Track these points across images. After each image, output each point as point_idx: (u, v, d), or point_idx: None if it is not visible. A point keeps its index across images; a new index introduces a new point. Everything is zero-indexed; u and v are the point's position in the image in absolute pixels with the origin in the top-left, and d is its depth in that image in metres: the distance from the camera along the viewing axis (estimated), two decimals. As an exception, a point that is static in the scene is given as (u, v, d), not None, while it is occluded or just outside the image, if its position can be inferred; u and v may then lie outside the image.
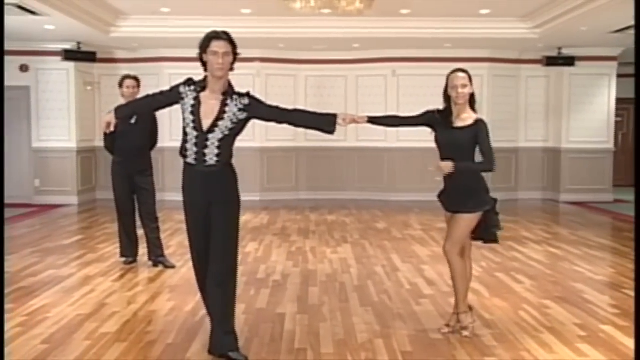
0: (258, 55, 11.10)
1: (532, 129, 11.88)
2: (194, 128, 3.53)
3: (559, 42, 10.67)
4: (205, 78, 3.59)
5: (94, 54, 10.86)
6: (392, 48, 11.15)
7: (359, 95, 11.78)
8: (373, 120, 4.18)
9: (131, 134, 5.84)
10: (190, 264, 6.02)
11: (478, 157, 3.98)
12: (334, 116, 3.70)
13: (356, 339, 3.99)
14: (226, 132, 3.53)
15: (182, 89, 3.61)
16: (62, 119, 10.85)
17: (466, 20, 9.74)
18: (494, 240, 4.14)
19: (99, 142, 10.17)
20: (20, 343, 3.87)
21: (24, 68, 10.74)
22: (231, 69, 3.57)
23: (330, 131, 3.72)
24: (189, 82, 3.63)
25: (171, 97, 3.66)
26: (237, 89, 3.65)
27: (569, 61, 11.25)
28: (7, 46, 10.35)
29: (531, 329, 4.18)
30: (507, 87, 11.68)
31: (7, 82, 10.58)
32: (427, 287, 5.27)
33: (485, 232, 4.08)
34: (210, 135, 3.51)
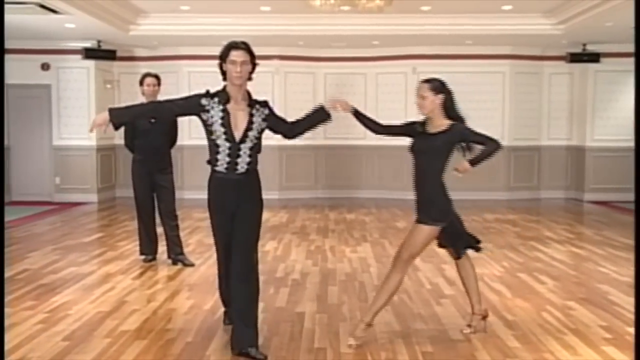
0: (277, 52, 11.12)
1: (555, 127, 11.75)
2: (227, 139, 3.66)
3: (583, 38, 10.54)
4: (224, 88, 3.72)
5: (114, 52, 10.96)
6: (412, 45, 11.09)
7: (378, 93, 11.74)
8: (357, 115, 4.21)
9: (151, 132, 5.89)
10: (209, 262, 6.13)
11: (452, 163, 3.96)
12: (322, 107, 3.94)
13: (376, 339, 3.98)
14: (255, 141, 3.72)
15: (204, 101, 3.71)
16: (82, 117, 10.96)
17: (488, 16, 9.65)
18: (473, 246, 4.16)
19: (119, 140, 10.24)
20: (41, 340, 3.92)
21: (45, 66, 10.88)
22: (249, 79, 3.72)
23: (327, 118, 3.96)
24: (209, 94, 3.75)
25: (188, 108, 3.75)
26: (255, 88, 3.79)
27: (594, 58, 11.10)
28: (28, 45, 10.55)
29: (554, 331, 4.14)
30: (530, 85, 11.56)
31: (29, 80, 10.78)
32: (447, 287, 5.24)
33: (459, 240, 4.07)
34: (242, 145, 3.67)
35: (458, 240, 4.08)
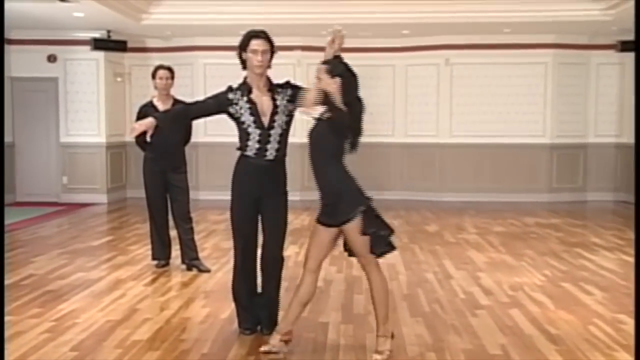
0: (299, 43, 11.15)
1: (603, 122, 11.58)
2: (257, 127, 3.99)
3: (634, 25, 10.38)
4: (245, 79, 4.05)
5: (124, 42, 11.08)
6: (445, 34, 11.03)
7: (408, 87, 11.71)
8: None
9: (164, 129, 5.88)
10: (226, 267, 6.16)
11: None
12: None
13: (406, 352, 3.97)
14: (284, 127, 4.04)
15: (231, 95, 4.05)
16: (91, 112, 11.10)
17: (528, 1, 9.57)
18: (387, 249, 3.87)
19: (130, 137, 10.39)
20: (48, 350, 3.98)
21: (51, 58, 11.03)
22: (269, 66, 4.04)
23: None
24: (231, 89, 4.08)
25: (218, 105, 4.07)
26: (275, 80, 4.02)
27: (647, 46, 10.93)
28: (35, 35, 10.71)
29: (603, 346, 4.08)
30: (575, 76, 11.42)
31: (35, 73, 10.94)
32: (483, 297, 5.20)
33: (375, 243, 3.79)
34: (272, 132, 4.00)
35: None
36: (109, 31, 10.80)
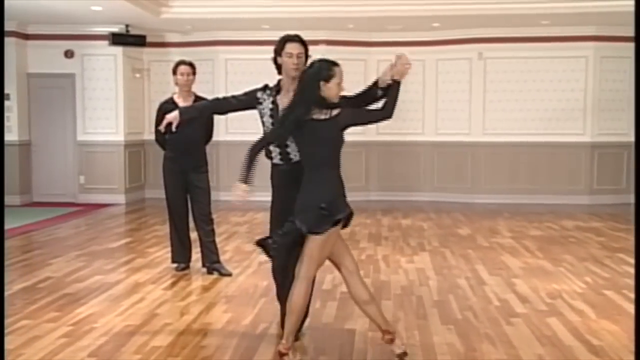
0: (324, 37, 11.15)
1: (648, 119, 11.42)
2: None
3: (681, 16, 10.22)
4: (279, 82, 4.23)
5: (143, 37, 11.19)
6: (478, 27, 10.96)
7: (439, 82, 11.66)
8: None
9: (184, 126, 5.95)
10: (248, 271, 6.21)
11: None
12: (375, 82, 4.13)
13: (437, 362, 3.95)
14: None
15: (259, 94, 4.25)
16: (109, 110, 11.24)
17: (568, -8, 9.48)
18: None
19: (149, 136, 10.49)
20: (65, 355, 4.03)
21: (69, 54, 11.18)
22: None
23: (379, 91, 4.08)
24: (266, 87, 4.27)
25: (248, 102, 4.28)
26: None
27: (695, 38, 10.76)
28: (51, 30, 10.87)
29: (647, 358, 4.02)
30: (618, 71, 11.26)
31: (51, 69, 11.10)
32: (519, 305, 5.16)
33: None
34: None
35: None
36: (127, 25, 10.92)
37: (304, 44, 4.20)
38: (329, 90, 3.80)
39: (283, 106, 4.07)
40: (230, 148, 11.27)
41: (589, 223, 9.27)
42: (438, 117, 11.71)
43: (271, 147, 4.17)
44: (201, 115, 5.08)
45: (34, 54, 10.95)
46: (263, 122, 4.23)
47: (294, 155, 4.11)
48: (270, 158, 4.26)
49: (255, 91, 4.27)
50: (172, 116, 4.48)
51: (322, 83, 3.78)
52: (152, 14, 9.98)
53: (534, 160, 11.33)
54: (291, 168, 4.13)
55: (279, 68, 4.22)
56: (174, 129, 4.56)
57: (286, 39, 4.20)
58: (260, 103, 4.22)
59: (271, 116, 4.17)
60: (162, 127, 4.62)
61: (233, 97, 4.34)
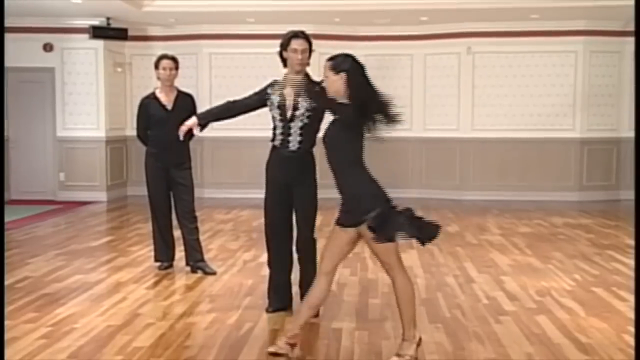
0: (310, 31, 10.85)
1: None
2: (281, 120, 4.60)
3: (671, 10, 10.29)
4: (285, 76, 4.66)
5: (125, 30, 11.13)
6: (466, 21, 10.99)
7: (427, 77, 11.68)
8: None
9: (167, 121, 5.94)
10: (233, 270, 6.21)
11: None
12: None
13: (425, 361, 3.97)
14: (305, 121, 4.57)
15: (269, 90, 4.69)
16: (89, 105, 11.18)
17: (557, -15, 9.53)
18: None
19: (131, 131, 10.43)
20: (45, 357, 4.01)
21: (47, 47, 11.10)
22: (307, 64, 4.64)
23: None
24: (274, 82, 4.71)
25: (260, 100, 4.71)
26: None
27: (685, 33, 10.84)
28: (30, 22, 10.79)
29: (637, 356, 4.06)
30: (608, 66, 11.34)
31: (30, 63, 11.02)
32: (508, 303, 5.19)
33: None
34: (292, 124, 4.58)
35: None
36: (108, 18, 10.86)
37: (308, 40, 4.61)
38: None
39: (290, 98, 4.55)
40: (215, 144, 11.24)
41: (578, 220, 9.33)
42: (426, 112, 11.73)
43: (276, 131, 4.62)
44: (218, 120, 5.01)
45: (11, 48, 10.83)
46: (272, 115, 4.66)
47: (293, 145, 4.59)
48: (273, 140, 4.67)
49: (265, 88, 4.70)
50: (192, 123, 4.76)
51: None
52: (134, 7, 9.93)
53: (523, 156, 11.39)
54: (287, 155, 4.61)
55: (284, 61, 4.63)
56: (196, 132, 4.90)
57: (292, 35, 4.60)
58: (269, 97, 4.64)
59: (279, 107, 4.59)
60: (182, 136, 4.87)
61: (246, 98, 4.76)
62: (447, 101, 11.62)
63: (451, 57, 11.51)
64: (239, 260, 6.62)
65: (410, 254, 7.02)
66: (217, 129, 11.36)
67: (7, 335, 4.30)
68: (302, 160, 4.67)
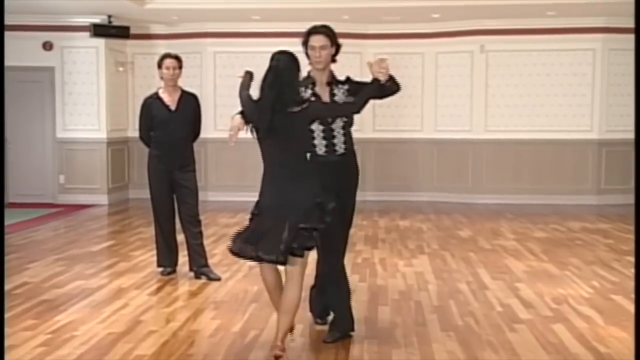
0: (317, 28, 11.14)
1: (658, 116, 11.47)
2: (320, 123, 4.35)
3: (693, 7, 10.26)
4: (309, 73, 4.43)
5: (127, 29, 11.15)
6: (480, 18, 10.98)
7: (438, 77, 11.67)
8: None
9: (171, 122, 5.97)
10: (238, 275, 6.22)
11: None
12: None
13: (437, 371, 3.96)
14: (345, 119, 4.41)
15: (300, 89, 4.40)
16: (90, 105, 11.21)
17: (574, -19, 9.52)
18: None
19: (133, 133, 10.47)
20: (44, 364, 4.03)
21: (47, 46, 11.14)
22: (334, 60, 4.44)
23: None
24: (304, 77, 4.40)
25: None
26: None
27: None
28: (29, 20, 10.83)
29: (657, 366, 4.04)
30: (628, 64, 11.27)
31: (29, 62, 11.06)
32: (523, 310, 5.18)
33: None
34: (333, 126, 4.39)
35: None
36: (110, 16, 10.89)
37: (329, 35, 4.38)
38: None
39: (324, 96, 4.37)
40: (219, 146, 11.26)
41: (596, 224, 9.30)
42: (438, 113, 11.72)
43: (315, 141, 4.38)
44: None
45: (10, 46, 10.85)
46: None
47: (340, 147, 4.40)
48: (313, 151, 4.41)
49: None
50: (238, 123, 4.12)
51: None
52: (136, 4, 9.96)
53: (538, 158, 11.36)
54: (335, 160, 4.40)
55: (310, 58, 4.44)
56: (243, 131, 4.37)
57: (309, 32, 4.41)
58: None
59: None
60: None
61: None
62: (459, 101, 11.60)
63: (464, 56, 11.50)
64: (244, 266, 6.61)
65: (422, 259, 7.03)
66: (221, 130, 11.47)
67: (5, 343, 4.32)
68: (350, 163, 4.52)
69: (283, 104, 3.86)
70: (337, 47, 4.43)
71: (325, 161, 4.38)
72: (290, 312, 3.97)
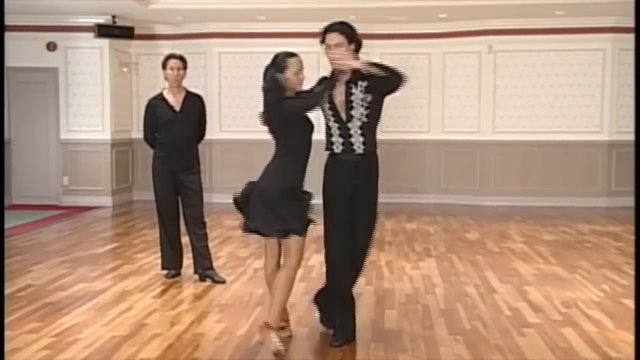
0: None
1: (668, 117, 11.44)
2: (335, 121, 4.36)
3: None
4: (333, 72, 4.37)
5: (131, 29, 11.19)
6: (488, 18, 10.98)
7: (445, 77, 11.67)
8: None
9: (176, 123, 5.98)
10: (243, 278, 6.23)
11: None
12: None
13: (444, 375, 3.96)
14: (364, 119, 4.31)
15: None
16: (94, 106, 11.24)
17: (583, -20, 9.51)
18: None
19: (137, 134, 10.49)
20: (48, 367, 4.04)
21: (51, 46, 11.18)
22: (355, 58, 4.29)
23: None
24: (323, 79, 4.45)
25: None
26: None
27: None
28: (33, 21, 10.87)
29: (668, 370, 4.02)
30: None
31: (32, 63, 11.11)
32: (532, 314, 5.17)
33: None
34: (350, 124, 4.32)
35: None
36: (114, 16, 10.93)
37: (344, 32, 4.28)
38: (287, 81, 4.18)
39: (340, 96, 4.31)
40: (224, 147, 11.28)
41: (606, 227, 9.28)
42: (445, 114, 11.71)
43: (333, 139, 4.36)
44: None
45: (13, 47, 10.93)
46: (325, 115, 4.42)
47: (358, 147, 4.32)
48: (330, 148, 4.39)
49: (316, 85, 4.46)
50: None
51: (277, 75, 4.15)
52: (141, 4, 9.98)
53: (547, 160, 11.34)
54: (353, 159, 4.34)
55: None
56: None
57: (325, 30, 4.33)
58: None
59: (330, 108, 4.36)
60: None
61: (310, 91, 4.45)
62: (467, 102, 11.59)
63: (471, 56, 11.49)
64: (249, 268, 6.63)
65: (429, 262, 7.02)
66: (226, 131, 11.53)
67: (9, 347, 4.34)
68: (369, 165, 4.43)
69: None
70: (358, 44, 4.34)
71: (342, 160, 4.35)
72: (275, 291, 4.28)
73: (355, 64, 4.18)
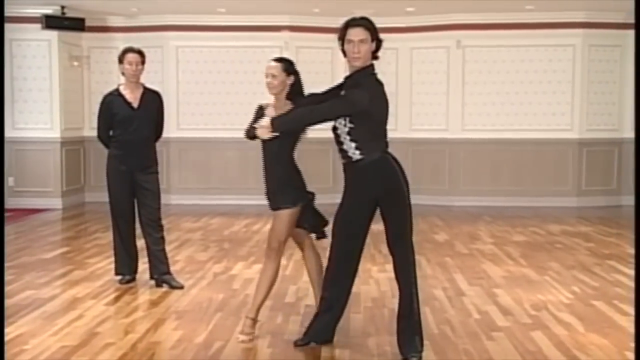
0: (286, 22, 11.14)
1: (640, 114, 11.66)
2: (332, 128, 4.34)
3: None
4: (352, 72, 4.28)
5: (81, 20, 11.07)
6: (456, 12, 11.07)
7: (413, 73, 11.75)
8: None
9: (133, 120, 5.92)
10: (202, 283, 6.19)
11: None
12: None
13: (411, 382, 3.99)
14: (349, 125, 4.19)
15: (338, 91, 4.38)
16: (42, 102, 11.09)
17: (554, -26, 9.65)
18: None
19: (89, 132, 10.39)
20: (-7, 379, 3.97)
21: (-5, 39, 11.01)
22: (375, 57, 4.29)
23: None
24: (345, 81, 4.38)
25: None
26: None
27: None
28: (-24, 12, 10.65)
29: (639, 374, 4.11)
30: (608, 61, 11.48)
31: (-24, 56, 10.89)
32: (501, 317, 5.23)
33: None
34: (338, 132, 4.27)
35: (317, 219, 4.95)
36: (63, 7, 10.79)
37: (369, 28, 4.19)
38: None
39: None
40: (182, 146, 11.20)
41: (576, 227, 9.42)
42: (412, 111, 11.79)
43: (345, 146, 4.28)
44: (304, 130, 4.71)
45: (-45, 39, 10.76)
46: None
47: (353, 153, 4.27)
48: (349, 157, 4.31)
49: (338, 87, 4.40)
50: (267, 124, 4.30)
51: None
52: (92, -5, 9.88)
53: (517, 158, 11.48)
54: (353, 167, 4.37)
55: (346, 55, 4.25)
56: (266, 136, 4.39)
57: (347, 24, 4.19)
58: None
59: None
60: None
61: (324, 94, 4.45)
62: (435, 99, 11.69)
63: (439, 52, 11.59)
64: (208, 273, 6.60)
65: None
66: (184, 129, 11.45)
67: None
68: (372, 171, 4.37)
69: None
70: (379, 42, 4.28)
71: (346, 167, 4.40)
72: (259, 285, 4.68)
73: (265, 135, 4.30)
